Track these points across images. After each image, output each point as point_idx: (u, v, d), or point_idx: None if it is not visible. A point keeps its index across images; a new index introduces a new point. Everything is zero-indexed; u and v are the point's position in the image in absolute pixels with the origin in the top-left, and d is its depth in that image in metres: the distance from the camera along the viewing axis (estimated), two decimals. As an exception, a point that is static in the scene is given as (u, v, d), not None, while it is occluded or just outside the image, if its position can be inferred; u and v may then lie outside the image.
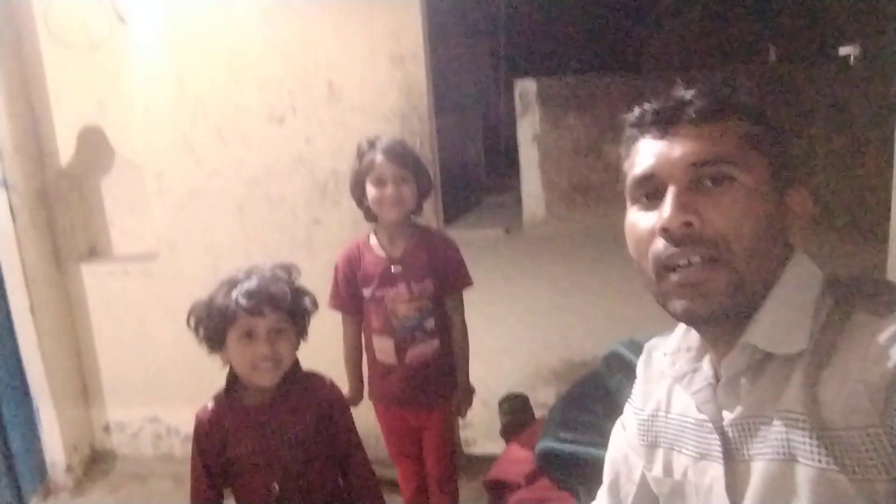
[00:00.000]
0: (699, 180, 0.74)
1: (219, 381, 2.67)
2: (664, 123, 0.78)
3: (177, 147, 2.55)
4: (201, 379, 2.68)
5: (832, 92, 6.65)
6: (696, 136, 0.75)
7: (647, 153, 0.78)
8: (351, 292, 1.90)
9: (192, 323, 1.34)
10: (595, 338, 4.14)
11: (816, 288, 0.75)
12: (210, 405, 1.41)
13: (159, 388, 2.75)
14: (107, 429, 2.82)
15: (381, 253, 1.87)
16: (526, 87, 8.48)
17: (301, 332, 1.39)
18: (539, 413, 2.59)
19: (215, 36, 2.46)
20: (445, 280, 1.88)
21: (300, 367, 1.44)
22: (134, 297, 2.71)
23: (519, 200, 9.13)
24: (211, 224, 2.60)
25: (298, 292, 1.38)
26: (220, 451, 1.37)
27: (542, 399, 3.30)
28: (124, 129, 2.60)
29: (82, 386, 2.78)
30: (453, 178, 8.48)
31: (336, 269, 1.94)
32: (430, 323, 1.86)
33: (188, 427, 2.77)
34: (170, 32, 2.48)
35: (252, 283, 1.29)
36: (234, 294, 1.28)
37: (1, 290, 2.50)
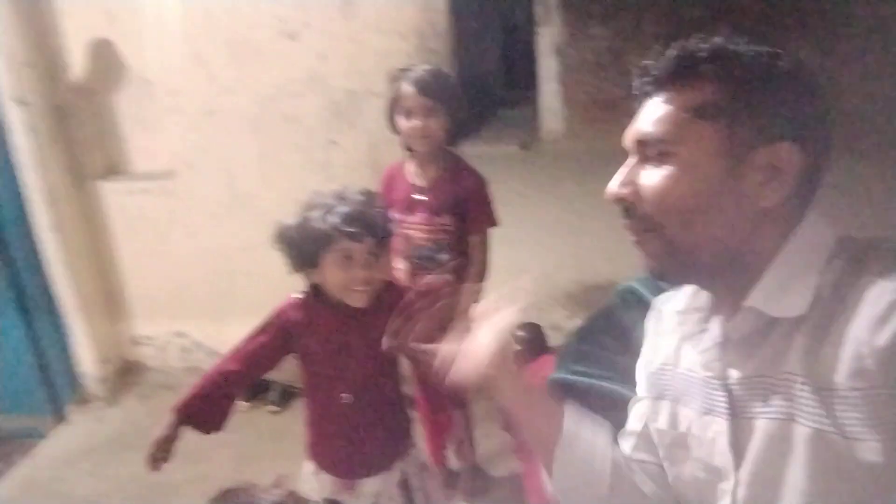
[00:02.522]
0: (646, 155, 0.78)
1: (240, 298, 2.75)
2: (642, 95, 0.81)
3: (189, 63, 2.50)
4: (222, 295, 2.78)
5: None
6: (648, 113, 0.78)
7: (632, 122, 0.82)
8: None
9: (282, 244, 1.38)
10: (610, 260, 4.14)
11: (825, 250, 0.74)
12: (296, 298, 1.46)
13: (183, 303, 2.83)
14: (135, 342, 2.93)
15: (410, 180, 1.87)
16: (547, -6, 8.08)
17: (387, 254, 1.44)
18: (554, 337, 2.65)
19: (224, -56, 2.35)
20: (468, 217, 1.86)
21: (384, 285, 1.48)
22: (154, 215, 2.74)
23: (536, 115, 8.92)
24: (226, 143, 2.59)
25: (388, 218, 1.42)
26: (297, 338, 1.43)
27: (556, 321, 3.35)
28: (134, 43, 2.54)
29: (109, 301, 2.86)
30: (467, 92, 8.26)
31: (383, 182, 1.96)
32: (443, 256, 1.87)
33: (212, 342, 2.89)
34: (177, -60, 2.38)
35: (350, 208, 1.32)
36: (333, 218, 1.30)
37: (25, 208, 2.53)
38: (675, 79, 0.76)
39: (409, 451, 1.58)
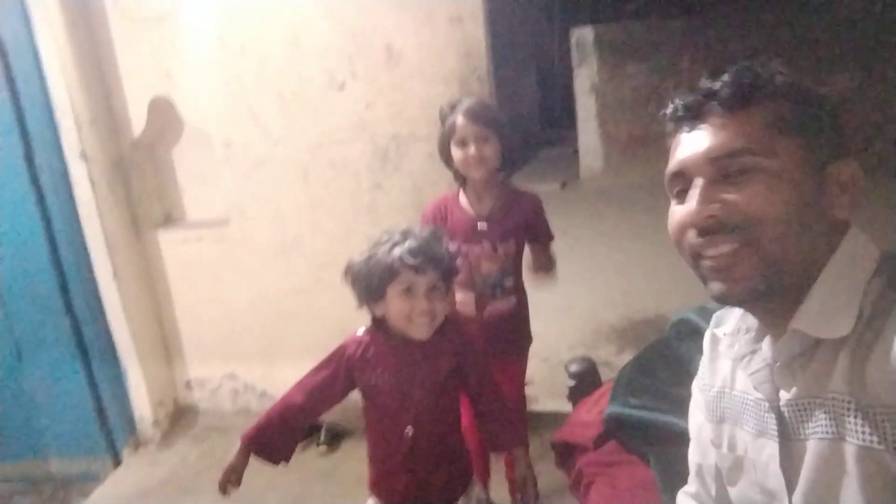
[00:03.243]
0: (725, 172, 0.76)
1: (290, 341, 2.80)
2: (692, 118, 0.80)
3: (242, 115, 2.61)
4: (273, 338, 2.84)
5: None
6: (720, 129, 0.77)
7: (679, 148, 0.81)
8: None
9: (350, 279, 1.43)
10: (657, 295, 4.09)
11: (869, 267, 0.75)
12: (361, 333, 1.50)
13: (235, 347, 2.89)
14: (188, 385, 3.00)
15: (469, 210, 1.91)
16: (583, 35, 8.19)
17: (449, 290, 1.47)
18: (603, 373, 2.61)
19: (274, 3, 2.48)
20: (530, 236, 1.95)
21: (444, 320, 1.51)
22: (208, 262, 2.83)
23: (575, 153, 8.95)
24: (277, 191, 2.67)
25: (450, 254, 1.45)
26: (359, 372, 1.46)
27: (604, 357, 3.31)
28: (191, 99, 2.67)
29: (164, 346, 2.95)
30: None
31: (423, 219, 1.98)
32: (509, 281, 1.92)
33: (263, 383, 2.94)
34: (230, 1, 2.51)
35: (415, 243, 1.37)
36: (398, 252, 1.35)
37: (86, 258, 2.65)
38: (744, 95, 0.77)
39: (470, 485, 1.58)
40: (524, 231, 1.93)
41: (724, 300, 0.81)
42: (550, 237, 2.01)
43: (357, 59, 2.47)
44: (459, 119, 1.81)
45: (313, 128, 2.57)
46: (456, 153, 1.83)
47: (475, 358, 1.54)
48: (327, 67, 2.50)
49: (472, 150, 1.79)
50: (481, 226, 1.87)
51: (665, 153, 0.87)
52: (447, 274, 1.42)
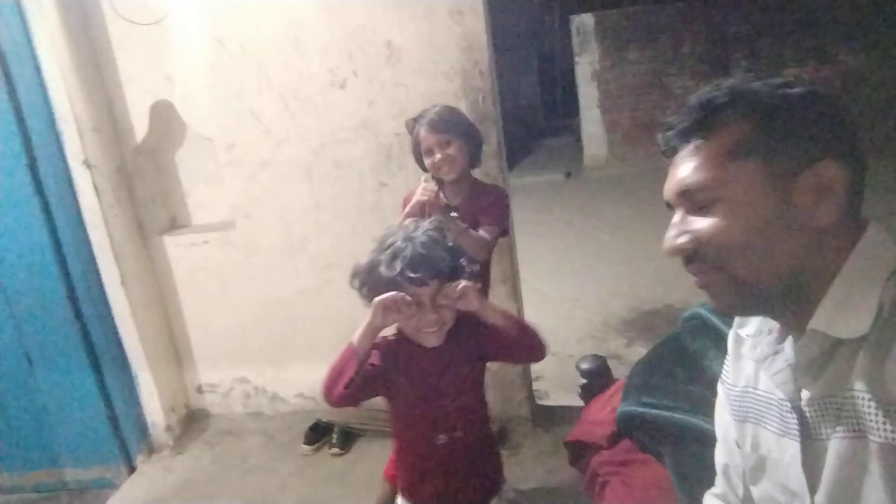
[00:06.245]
0: (694, 204, 0.79)
1: (299, 342, 2.80)
2: (670, 152, 0.83)
3: (244, 117, 2.60)
4: (282, 340, 2.84)
5: None
6: (686, 162, 0.80)
7: (667, 178, 0.85)
8: None
9: (357, 285, 1.41)
10: (665, 284, 4.07)
11: (888, 265, 0.75)
12: (390, 336, 1.48)
13: (244, 350, 2.89)
14: (200, 390, 3.00)
15: (442, 199, 2.03)
16: (583, 22, 8.14)
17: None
18: (613, 367, 2.60)
19: (272, 2, 2.46)
20: (483, 220, 2.00)
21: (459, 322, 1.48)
22: (215, 265, 2.82)
23: (579, 142, 8.92)
24: (282, 192, 2.66)
25: (455, 253, 1.40)
26: (386, 373, 1.44)
27: (614, 350, 3.30)
28: (193, 103, 2.66)
29: (174, 351, 2.95)
30: (510, 124, 8.34)
31: (403, 203, 2.09)
32: (475, 267, 1.92)
33: (274, 386, 2.94)
34: (228, 2, 2.50)
35: (414, 252, 1.32)
36: (398, 265, 1.32)
37: (93, 265, 2.64)
38: (701, 127, 0.78)
39: (502, 486, 1.58)
40: (484, 214, 2.02)
41: (718, 311, 0.87)
42: (502, 226, 2.05)
43: (357, 56, 2.45)
44: (422, 131, 1.99)
45: (316, 128, 2.56)
46: (426, 161, 2.01)
47: (490, 340, 1.47)
48: (328, 66, 2.48)
49: (437, 157, 1.98)
50: (453, 213, 1.99)
51: None
52: (453, 274, 1.38)
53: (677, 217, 0.81)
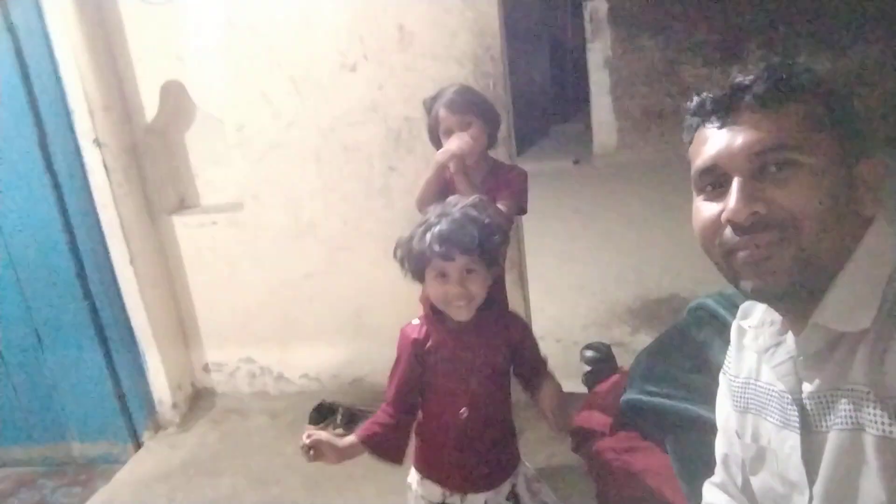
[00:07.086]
0: (763, 167, 0.75)
1: (305, 324, 2.82)
2: (724, 112, 0.79)
3: (254, 99, 2.60)
4: (289, 321, 2.86)
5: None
6: (758, 123, 0.76)
7: (709, 143, 0.80)
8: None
9: (398, 257, 1.44)
10: (671, 274, 4.06)
11: (892, 260, 0.76)
12: (417, 322, 1.51)
13: (251, 330, 2.91)
14: (206, 368, 3.03)
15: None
16: (596, 8, 8.05)
17: (492, 265, 1.43)
18: (617, 354, 2.61)
19: (284, -16, 2.45)
20: (500, 196, 1.95)
21: (497, 302, 1.52)
22: (223, 246, 2.84)
23: (589, 129, 8.86)
24: (291, 174, 2.67)
25: (487, 231, 1.39)
26: (421, 362, 1.47)
27: (619, 338, 3.30)
28: (203, 83, 2.66)
29: (182, 330, 2.97)
30: (520, 109, 8.30)
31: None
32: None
33: (279, 366, 2.96)
34: (240, -18, 2.49)
35: (443, 228, 1.34)
36: (428, 238, 1.35)
37: (102, 243, 2.66)
38: (784, 93, 0.77)
39: (518, 464, 1.60)
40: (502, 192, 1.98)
41: (759, 296, 0.82)
42: (520, 205, 2.01)
43: (368, 39, 2.44)
44: (442, 111, 1.93)
45: (325, 110, 2.56)
46: (444, 141, 1.93)
47: (532, 343, 1.55)
48: (338, 49, 2.47)
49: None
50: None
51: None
52: (484, 253, 1.37)
53: (737, 183, 0.77)
